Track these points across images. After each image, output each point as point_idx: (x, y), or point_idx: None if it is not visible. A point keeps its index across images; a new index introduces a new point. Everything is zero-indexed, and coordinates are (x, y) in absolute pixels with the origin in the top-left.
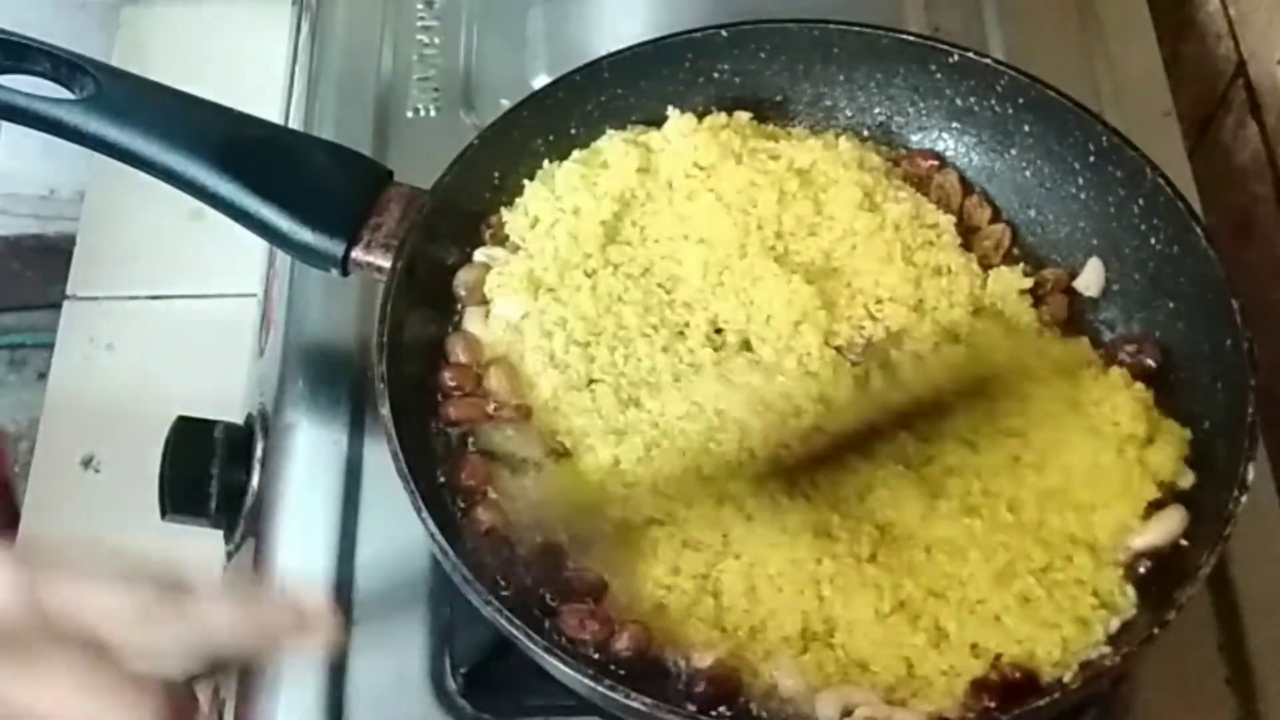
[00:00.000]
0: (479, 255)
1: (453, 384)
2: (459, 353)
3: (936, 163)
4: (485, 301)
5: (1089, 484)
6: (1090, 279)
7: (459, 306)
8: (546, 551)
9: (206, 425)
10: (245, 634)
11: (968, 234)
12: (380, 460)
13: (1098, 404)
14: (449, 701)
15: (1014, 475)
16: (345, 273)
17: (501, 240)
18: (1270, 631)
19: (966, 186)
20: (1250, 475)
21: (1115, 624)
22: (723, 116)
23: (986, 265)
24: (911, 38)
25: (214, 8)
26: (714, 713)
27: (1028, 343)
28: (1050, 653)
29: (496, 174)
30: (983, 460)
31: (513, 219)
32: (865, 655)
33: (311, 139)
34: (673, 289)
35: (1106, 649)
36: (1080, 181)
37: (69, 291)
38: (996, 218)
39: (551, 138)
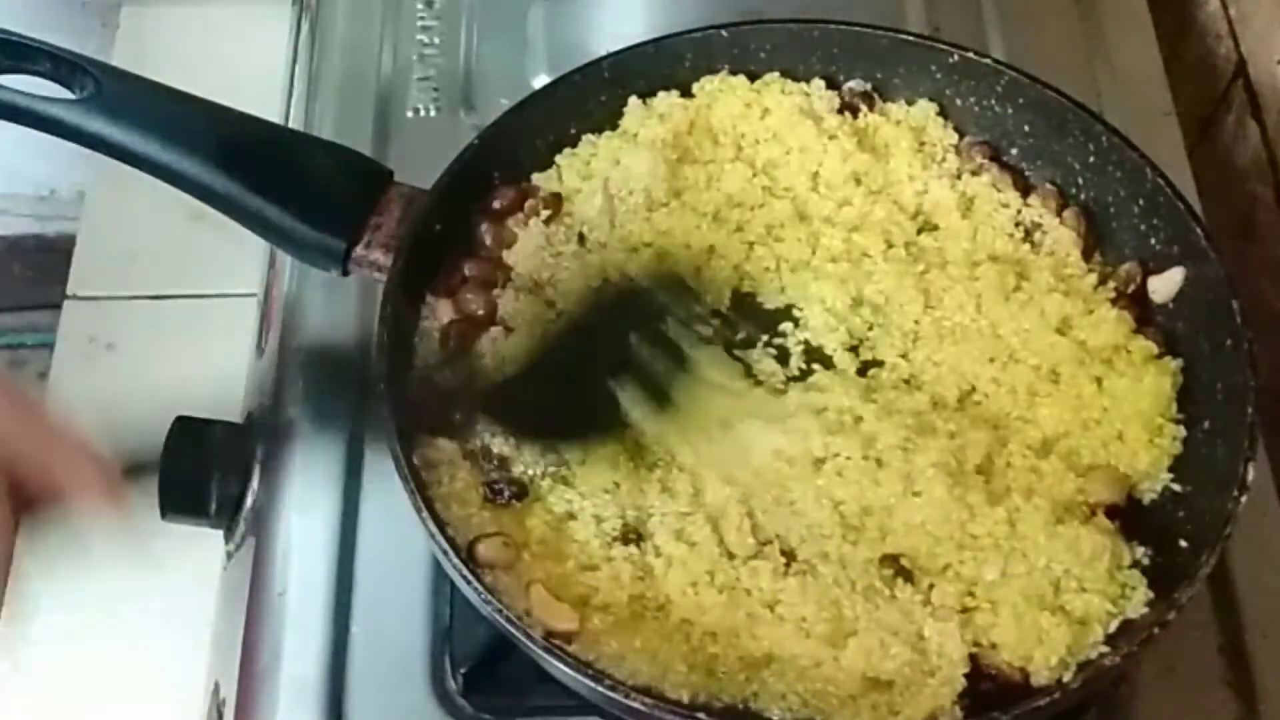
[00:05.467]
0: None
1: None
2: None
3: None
4: None
5: None
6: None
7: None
8: None
9: (206, 425)
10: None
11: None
12: (380, 460)
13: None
14: (449, 701)
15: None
16: (345, 272)
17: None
18: (1270, 631)
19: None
20: (1250, 475)
21: (1115, 624)
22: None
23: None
24: (911, 38)
25: (214, 8)
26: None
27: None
28: (1050, 653)
29: (496, 174)
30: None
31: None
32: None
33: (311, 139)
34: None
35: (1106, 649)
36: (1080, 182)
37: (69, 291)
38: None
39: (551, 138)
